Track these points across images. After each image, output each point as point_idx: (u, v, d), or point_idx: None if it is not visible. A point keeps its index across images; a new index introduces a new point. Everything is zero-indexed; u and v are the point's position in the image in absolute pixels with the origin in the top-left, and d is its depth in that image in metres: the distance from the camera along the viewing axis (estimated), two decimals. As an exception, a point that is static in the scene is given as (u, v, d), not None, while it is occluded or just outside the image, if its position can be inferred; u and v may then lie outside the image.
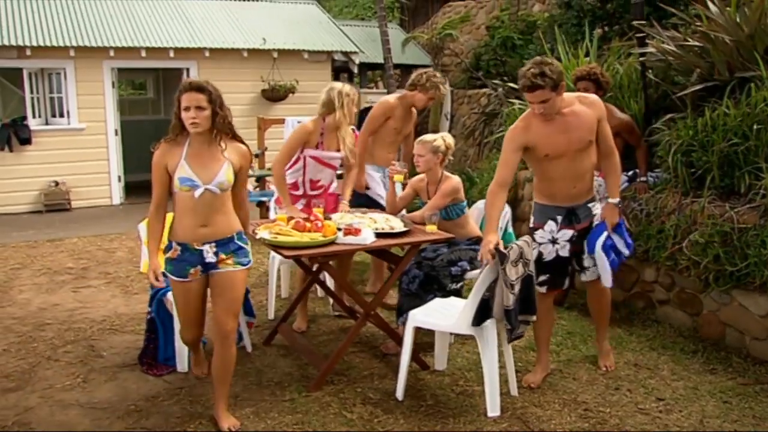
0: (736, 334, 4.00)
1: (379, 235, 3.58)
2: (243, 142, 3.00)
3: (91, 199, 9.23)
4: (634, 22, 4.94)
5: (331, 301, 4.68)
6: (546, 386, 3.58)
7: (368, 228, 3.55)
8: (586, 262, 3.57)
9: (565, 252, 3.52)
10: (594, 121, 3.33)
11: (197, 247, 2.96)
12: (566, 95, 3.30)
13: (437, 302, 3.62)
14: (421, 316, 3.44)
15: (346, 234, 3.46)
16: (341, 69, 10.93)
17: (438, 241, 3.75)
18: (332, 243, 3.42)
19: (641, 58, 4.96)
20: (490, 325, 3.27)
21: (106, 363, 3.95)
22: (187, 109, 2.80)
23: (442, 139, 4.12)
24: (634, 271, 4.68)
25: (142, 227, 4.07)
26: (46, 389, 3.61)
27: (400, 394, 3.42)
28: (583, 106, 3.32)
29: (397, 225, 3.74)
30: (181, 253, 2.98)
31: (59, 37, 8.70)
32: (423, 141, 4.08)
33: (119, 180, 9.42)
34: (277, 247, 3.37)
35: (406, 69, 11.30)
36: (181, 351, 3.76)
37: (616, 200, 3.51)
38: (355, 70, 10.70)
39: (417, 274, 3.86)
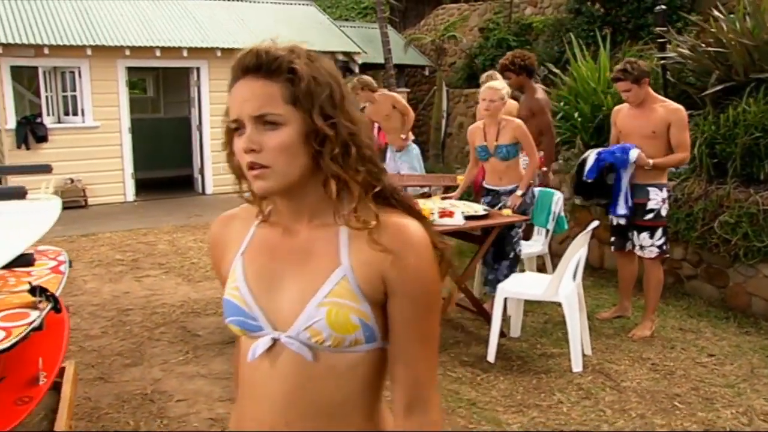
0: (762, 303, 4.62)
1: (467, 218, 4.05)
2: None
3: (106, 196, 9.41)
4: (657, 29, 5.53)
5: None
6: (613, 346, 4.12)
7: (459, 211, 4.02)
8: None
9: (618, 220, 4.30)
10: (663, 121, 4.04)
11: None
12: (658, 98, 4.11)
13: (520, 276, 4.12)
14: (510, 286, 3.93)
15: (441, 216, 3.92)
16: (343, 69, 11.32)
17: (515, 222, 4.23)
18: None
19: (662, 61, 5.56)
20: (572, 292, 3.79)
21: (206, 341, 4.30)
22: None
23: (505, 86, 4.57)
24: (663, 251, 5.28)
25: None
26: (163, 364, 3.94)
27: (491, 357, 3.90)
28: (662, 109, 4.05)
29: (479, 209, 4.22)
30: None
31: (76, 37, 8.86)
32: (493, 88, 4.39)
33: (132, 177, 9.62)
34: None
35: (400, 69, 11.80)
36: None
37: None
38: (356, 70, 11.11)
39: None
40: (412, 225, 1.11)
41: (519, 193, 4.41)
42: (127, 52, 9.13)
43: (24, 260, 2.54)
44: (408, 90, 11.71)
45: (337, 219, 1.11)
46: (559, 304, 4.37)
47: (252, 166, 1.07)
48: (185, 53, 9.44)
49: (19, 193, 2.82)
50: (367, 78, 6.45)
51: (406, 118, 6.54)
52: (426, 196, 5.09)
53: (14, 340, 2.35)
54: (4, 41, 8.32)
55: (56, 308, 2.70)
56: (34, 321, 2.51)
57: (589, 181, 4.12)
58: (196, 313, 4.85)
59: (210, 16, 10.34)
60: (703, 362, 3.90)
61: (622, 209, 4.15)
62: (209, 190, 10.03)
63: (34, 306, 2.64)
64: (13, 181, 7.33)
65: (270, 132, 1.07)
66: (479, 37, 10.96)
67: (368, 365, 1.13)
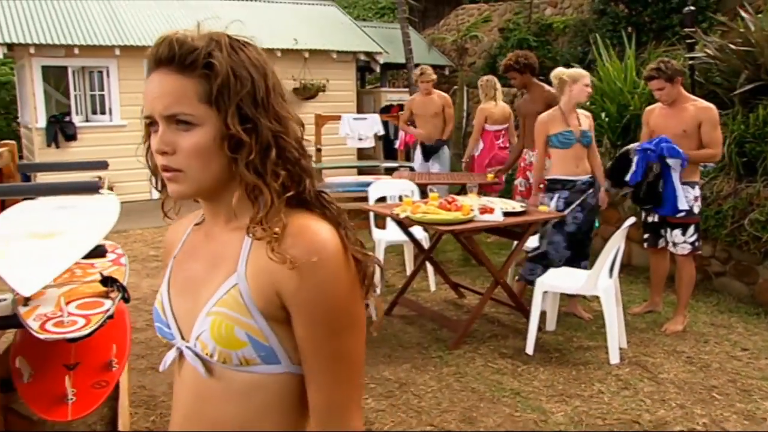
0: (792, 298, 4.70)
1: (506, 214, 4.15)
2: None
3: (133, 194, 9.53)
4: (685, 30, 5.62)
5: (432, 279, 5.23)
6: (647, 340, 4.21)
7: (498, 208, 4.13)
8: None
9: (653, 218, 4.41)
10: (694, 119, 4.14)
11: None
12: (689, 97, 4.21)
13: (557, 270, 4.22)
14: (549, 280, 4.04)
15: (482, 212, 4.03)
16: (363, 68, 11.44)
17: (550, 218, 4.34)
18: (472, 220, 3.98)
19: (690, 62, 5.64)
20: (611, 286, 3.89)
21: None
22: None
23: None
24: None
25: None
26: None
27: (530, 349, 4.00)
28: (693, 107, 4.14)
29: (516, 206, 4.32)
30: None
31: (105, 37, 9.03)
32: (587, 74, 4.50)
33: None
34: (430, 223, 3.91)
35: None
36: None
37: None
38: (378, 70, 11.23)
39: (559, 240, 4.40)
40: (321, 231, 0.98)
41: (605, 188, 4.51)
42: (154, 52, 9.28)
43: (99, 251, 2.67)
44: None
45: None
46: (593, 299, 4.50)
47: (165, 169, 1.00)
48: (210, 53, 9.57)
49: (93, 188, 2.95)
50: (431, 71, 6.44)
51: (449, 121, 6.60)
52: (462, 193, 5.19)
53: (94, 327, 2.48)
54: (36, 41, 8.49)
55: (125, 298, 2.83)
56: (108, 309, 2.63)
57: (632, 185, 4.17)
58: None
59: (234, 17, 10.41)
60: (737, 356, 3.99)
61: (683, 204, 4.17)
62: (233, 188, 10.19)
63: (105, 295, 2.77)
64: (43, 178, 7.49)
65: (183, 133, 0.98)
66: (499, 37, 11.05)
67: (276, 391, 1.01)
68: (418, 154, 6.80)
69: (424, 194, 5.45)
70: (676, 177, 4.11)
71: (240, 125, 0.97)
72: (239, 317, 0.98)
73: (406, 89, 11.39)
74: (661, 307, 4.69)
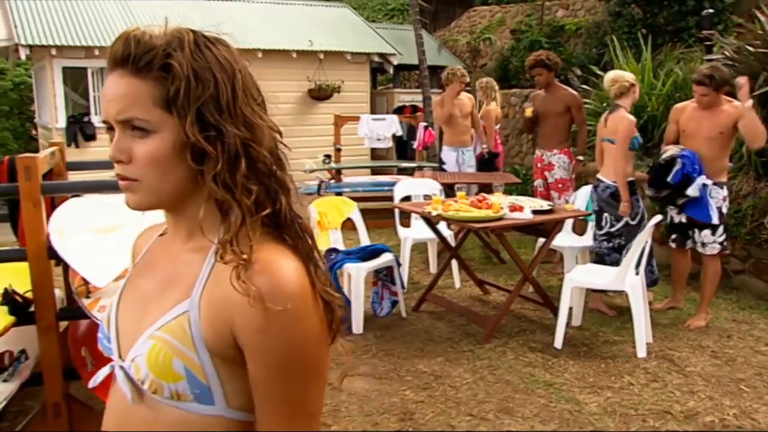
0: (811, 295, 4.81)
1: (534, 212, 4.27)
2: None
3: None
4: (704, 32, 5.73)
5: (457, 276, 5.34)
6: (671, 335, 4.32)
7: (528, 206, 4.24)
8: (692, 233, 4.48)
9: (680, 219, 4.47)
10: (732, 119, 4.19)
11: None
12: (725, 98, 4.23)
13: (583, 267, 4.33)
14: (578, 276, 4.15)
15: (512, 210, 4.14)
16: (377, 69, 11.56)
17: (577, 217, 4.45)
18: (502, 218, 4.09)
19: (708, 63, 5.74)
20: (638, 281, 4.00)
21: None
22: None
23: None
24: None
25: (312, 209, 4.69)
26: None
27: (558, 344, 4.11)
28: (731, 108, 4.20)
29: (543, 204, 4.44)
30: None
31: (124, 39, 9.15)
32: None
33: (175, 174, 9.90)
34: (463, 221, 4.02)
35: (432, 70, 11.99)
36: (357, 315, 4.38)
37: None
38: (391, 71, 11.35)
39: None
40: (286, 266, 0.88)
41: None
42: (172, 53, 9.40)
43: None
44: (440, 91, 11.89)
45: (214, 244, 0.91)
46: (614, 296, 4.62)
47: (120, 178, 0.92)
48: (228, 54, 9.69)
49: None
50: (464, 71, 6.47)
51: (477, 122, 6.67)
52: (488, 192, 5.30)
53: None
54: (57, 43, 8.61)
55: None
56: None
57: (674, 184, 4.26)
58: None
59: (248, 18, 10.61)
60: (761, 351, 4.09)
61: (715, 218, 4.29)
62: (249, 187, 10.30)
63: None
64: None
65: (139, 140, 0.90)
66: (511, 39, 11.16)
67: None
68: (448, 152, 6.58)
69: (449, 194, 5.55)
70: (706, 193, 4.24)
71: (202, 133, 0.88)
72: (181, 348, 0.88)
73: (419, 90, 11.50)
74: (683, 303, 4.79)
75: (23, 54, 8.64)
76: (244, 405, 0.91)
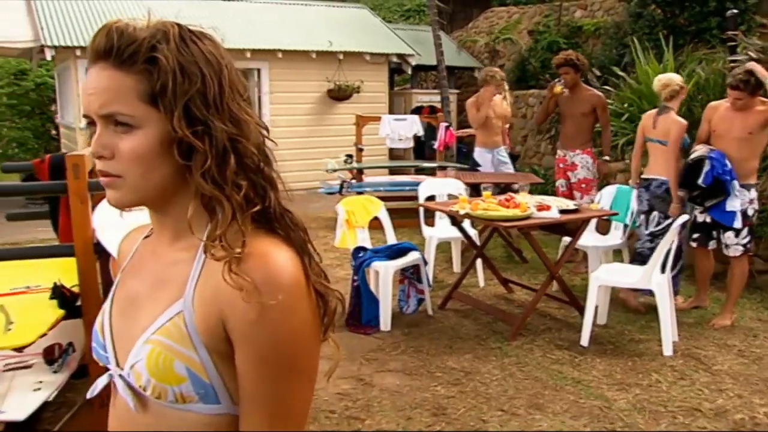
0: (836, 295, 4.82)
1: (561, 212, 4.31)
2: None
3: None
4: (728, 32, 5.75)
5: (481, 275, 5.40)
6: (697, 334, 4.35)
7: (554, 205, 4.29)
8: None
9: (704, 218, 4.51)
10: (760, 119, 4.21)
11: None
12: (758, 99, 4.24)
13: (608, 266, 4.38)
14: (604, 275, 4.19)
15: (539, 209, 4.19)
16: (394, 70, 11.63)
17: (603, 216, 4.49)
18: (530, 217, 4.15)
19: (732, 64, 5.77)
20: (664, 280, 4.04)
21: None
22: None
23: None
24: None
25: (340, 208, 4.76)
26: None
27: (585, 341, 4.16)
28: (761, 106, 4.22)
29: (570, 204, 4.48)
30: None
31: (147, 40, 9.27)
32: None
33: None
34: (491, 220, 4.08)
35: (450, 71, 12.05)
36: (385, 313, 4.44)
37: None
38: (409, 72, 11.41)
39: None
40: (279, 257, 0.87)
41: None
42: (195, 54, 9.50)
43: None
44: (458, 91, 11.97)
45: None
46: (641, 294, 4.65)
47: (102, 174, 0.89)
48: (248, 54, 9.79)
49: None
50: (502, 74, 6.47)
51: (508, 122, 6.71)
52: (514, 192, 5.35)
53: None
54: (82, 44, 8.74)
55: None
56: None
57: (705, 186, 4.30)
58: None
59: (269, 19, 10.71)
60: (787, 349, 4.12)
61: (738, 222, 4.33)
62: (269, 187, 10.39)
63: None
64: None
65: (123, 135, 0.87)
66: (529, 39, 11.19)
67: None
68: (482, 152, 6.50)
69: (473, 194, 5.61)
70: (733, 197, 4.29)
71: (189, 128, 0.85)
72: (181, 349, 0.87)
73: (436, 90, 11.56)
74: (707, 303, 4.82)
75: (49, 55, 8.76)
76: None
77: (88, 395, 0.99)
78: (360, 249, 4.62)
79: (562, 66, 5.50)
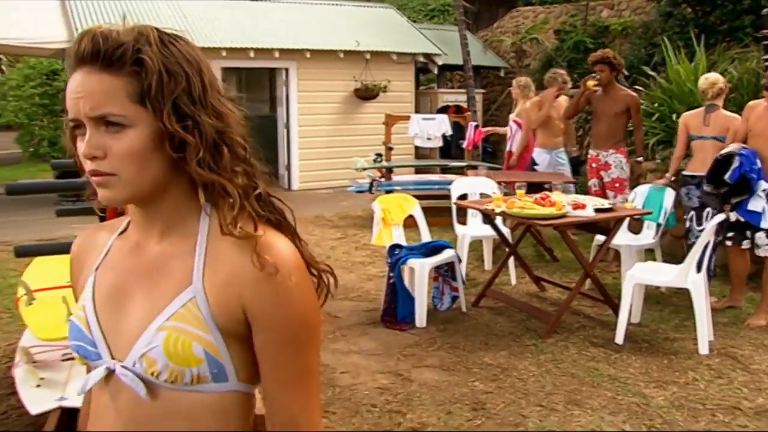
0: None
1: (596, 210, 4.35)
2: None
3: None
4: (763, 31, 5.73)
5: (513, 273, 5.44)
6: (732, 333, 4.36)
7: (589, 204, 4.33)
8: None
9: (737, 217, 4.50)
10: None
11: None
12: None
13: (644, 264, 4.40)
14: (640, 273, 4.22)
15: (575, 208, 4.23)
16: (420, 70, 11.68)
17: (637, 215, 4.51)
18: (565, 215, 4.18)
19: (767, 63, 5.75)
20: (700, 279, 4.06)
21: (347, 322, 4.66)
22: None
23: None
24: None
25: (376, 206, 4.83)
26: (313, 339, 4.32)
27: (620, 339, 4.18)
28: None
29: (604, 202, 4.52)
30: None
31: (178, 40, 9.41)
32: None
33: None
34: (527, 218, 4.13)
35: (475, 70, 12.07)
36: (421, 309, 4.49)
37: None
38: (436, 71, 11.46)
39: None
40: (279, 242, 0.96)
41: None
42: (224, 53, 9.63)
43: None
44: (483, 91, 11.99)
45: (201, 230, 0.97)
46: (670, 294, 4.67)
47: (94, 174, 0.93)
48: (277, 54, 9.90)
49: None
50: (566, 77, 6.52)
51: (568, 126, 6.73)
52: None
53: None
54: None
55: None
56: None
57: (731, 183, 4.31)
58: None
59: (297, 19, 10.80)
60: (825, 349, 4.12)
61: (765, 223, 4.36)
62: (296, 185, 10.49)
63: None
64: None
65: (114, 135, 0.91)
66: (555, 39, 11.18)
67: (222, 411, 0.97)
68: (541, 155, 6.55)
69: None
70: (756, 197, 4.29)
71: (179, 124, 0.91)
72: (198, 332, 0.92)
73: (462, 90, 11.60)
74: (742, 303, 4.82)
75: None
76: (249, 378, 0.98)
77: (79, 392, 1.03)
78: (396, 246, 4.68)
79: (597, 63, 5.51)
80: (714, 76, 4.93)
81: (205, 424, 0.95)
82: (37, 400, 2.55)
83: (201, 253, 0.95)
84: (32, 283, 2.96)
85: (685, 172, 4.97)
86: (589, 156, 5.88)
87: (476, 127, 7.70)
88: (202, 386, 0.94)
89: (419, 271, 4.46)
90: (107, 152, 0.91)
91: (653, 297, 4.91)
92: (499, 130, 7.65)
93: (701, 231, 4.59)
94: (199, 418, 0.95)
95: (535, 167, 6.38)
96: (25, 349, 2.84)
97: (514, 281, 5.44)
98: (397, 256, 4.57)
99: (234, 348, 0.94)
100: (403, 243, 4.81)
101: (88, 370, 1.05)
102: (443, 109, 11.08)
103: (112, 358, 0.97)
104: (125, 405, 0.96)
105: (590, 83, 5.54)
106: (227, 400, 0.96)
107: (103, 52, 0.90)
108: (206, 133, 0.92)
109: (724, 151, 4.41)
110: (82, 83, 0.91)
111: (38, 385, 2.68)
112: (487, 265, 5.84)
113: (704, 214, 4.65)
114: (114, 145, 0.91)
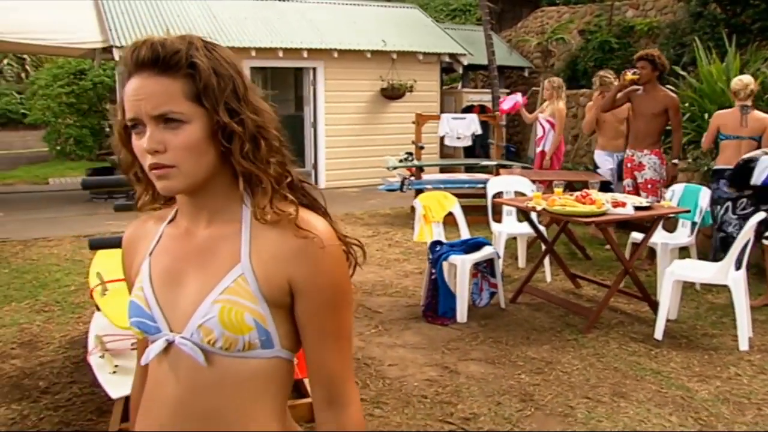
0: None
1: (635, 208, 4.43)
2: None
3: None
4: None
5: (548, 270, 5.53)
6: (770, 331, 4.43)
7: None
8: None
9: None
10: None
11: None
12: None
13: (682, 262, 4.48)
14: (679, 270, 4.30)
15: (614, 206, 4.31)
16: (445, 69, 11.77)
17: (675, 213, 4.59)
18: (605, 213, 4.27)
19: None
20: (740, 276, 4.13)
21: (389, 317, 4.76)
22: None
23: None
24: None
25: (418, 203, 4.93)
26: (360, 335, 4.43)
27: (659, 335, 4.26)
28: None
29: (643, 201, 4.60)
30: None
31: (208, 39, 9.55)
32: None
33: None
34: (568, 215, 4.22)
35: (500, 70, 12.14)
36: (462, 305, 4.59)
37: None
38: (460, 71, 11.55)
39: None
40: (314, 219, 1.10)
41: None
42: (253, 53, 9.77)
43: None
44: (508, 91, 12.05)
45: (244, 215, 1.10)
46: (706, 292, 4.73)
47: (155, 167, 1.04)
48: (305, 54, 10.03)
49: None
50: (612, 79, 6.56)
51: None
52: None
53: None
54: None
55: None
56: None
57: (760, 186, 4.39)
58: (368, 293, 5.34)
59: (324, 18, 10.93)
60: None
61: None
62: (322, 184, 10.61)
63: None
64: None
65: (173, 131, 1.03)
66: (580, 39, 11.23)
67: (267, 375, 1.09)
68: (602, 157, 6.61)
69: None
70: None
71: (229, 119, 1.04)
72: (248, 304, 1.05)
73: (486, 90, 11.67)
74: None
75: (117, 55, 9.09)
76: (290, 345, 1.10)
77: (143, 361, 1.14)
78: (437, 243, 4.78)
79: (641, 60, 5.56)
80: (747, 78, 5.11)
81: (252, 386, 1.08)
82: (116, 385, 2.68)
83: (246, 235, 1.08)
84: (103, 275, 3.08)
85: (716, 167, 5.07)
86: (624, 156, 5.95)
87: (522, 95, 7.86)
88: (251, 352, 1.06)
89: (461, 268, 4.56)
90: (167, 146, 1.03)
91: (688, 294, 4.98)
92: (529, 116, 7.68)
93: (737, 219, 4.71)
94: (247, 383, 1.08)
95: (598, 170, 6.47)
96: (99, 337, 2.97)
97: (549, 278, 5.52)
98: (438, 252, 4.67)
99: (279, 318, 1.07)
100: (443, 239, 4.91)
101: (140, 351, 1.20)
102: (467, 109, 11.18)
103: (171, 331, 1.09)
104: (185, 373, 1.08)
105: (629, 75, 5.59)
106: (272, 365, 1.09)
107: (161, 57, 1.02)
108: (248, 127, 1.05)
109: (748, 155, 4.51)
110: (143, 86, 1.02)
111: (114, 372, 2.81)
112: (521, 262, 5.93)
113: (738, 203, 4.75)
114: (173, 139, 1.03)
